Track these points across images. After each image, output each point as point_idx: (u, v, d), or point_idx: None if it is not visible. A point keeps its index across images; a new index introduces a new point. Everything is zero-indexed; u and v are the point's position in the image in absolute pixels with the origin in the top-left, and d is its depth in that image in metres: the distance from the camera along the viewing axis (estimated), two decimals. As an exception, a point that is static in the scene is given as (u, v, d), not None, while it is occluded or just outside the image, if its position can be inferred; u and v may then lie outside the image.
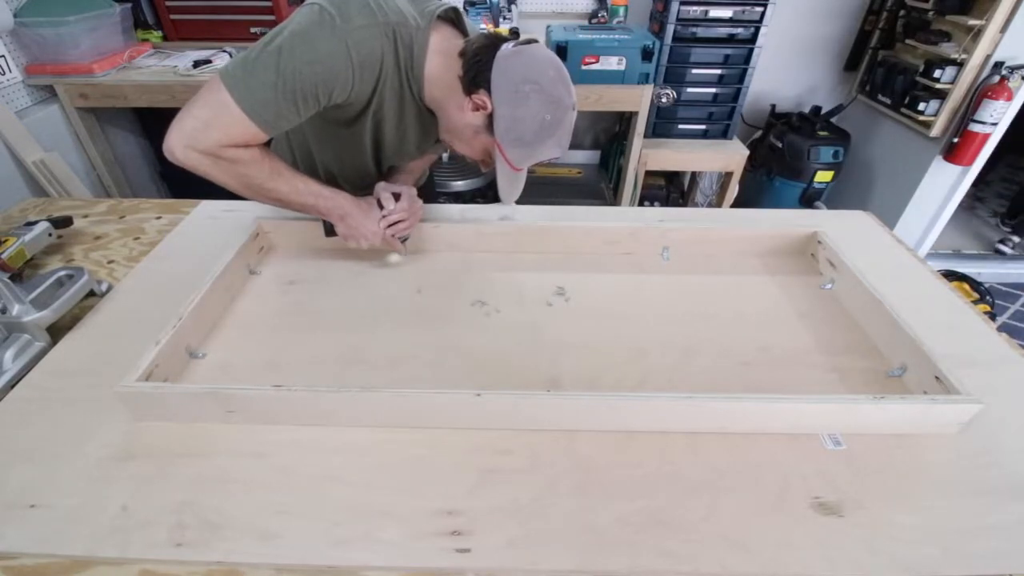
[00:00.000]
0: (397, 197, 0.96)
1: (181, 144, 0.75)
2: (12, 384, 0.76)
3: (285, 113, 0.77)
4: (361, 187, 1.02)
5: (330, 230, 0.96)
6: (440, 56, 0.83)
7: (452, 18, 0.86)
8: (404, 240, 1.00)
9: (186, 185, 2.45)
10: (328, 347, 0.84)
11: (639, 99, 2.03)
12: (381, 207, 0.95)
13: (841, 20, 2.47)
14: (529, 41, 0.83)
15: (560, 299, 0.95)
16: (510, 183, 0.91)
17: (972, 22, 1.90)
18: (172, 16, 2.28)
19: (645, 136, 2.19)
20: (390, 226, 0.96)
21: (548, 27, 2.19)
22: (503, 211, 1.15)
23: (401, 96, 0.87)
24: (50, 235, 1.03)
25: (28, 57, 1.94)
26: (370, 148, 0.97)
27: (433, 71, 0.84)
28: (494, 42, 0.82)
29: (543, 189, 2.62)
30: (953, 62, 2.00)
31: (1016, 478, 0.66)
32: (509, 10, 2.34)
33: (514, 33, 2.15)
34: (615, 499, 0.63)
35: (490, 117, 0.83)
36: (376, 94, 0.84)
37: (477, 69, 0.81)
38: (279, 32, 0.75)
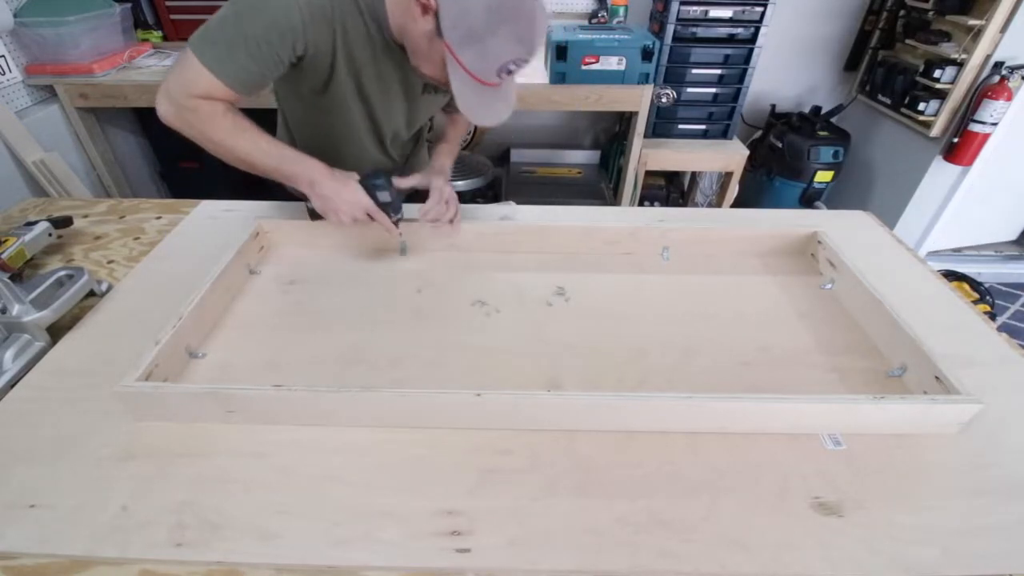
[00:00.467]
0: (390, 202, 0.93)
1: (163, 102, 0.82)
2: (12, 384, 0.76)
3: (246, 65, 0.79)
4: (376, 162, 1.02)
5: (314, 213, 0.93)
6: None
7: None
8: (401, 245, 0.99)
9: (186, 185, 2.47)
10: (328, 347, 0.84)
11: (639, 99, 2.03)
12: (376, 200, 0.92)
13: (841, 20, 2.47)
14: None
15: (560, 299, 0.95)
16: (475, 95, 0.80)
17: (972, 22, 1.90)
18: (172, 16, 2.28)
19: (645, 136, 2.19)
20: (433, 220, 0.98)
21: (548, 27, 2.19)
22: (503, 211, 1.15)
23: (371, 42, 0.86)
24: (50, 235, 1.03)
25: (28, 57, 1.94)
26: (360, 113, 0.96)
27: None
28: None
29: (543, 189, 2.62)
30: (953, 62, 2.00)
31: (1016, 478, 0.66)
32: (509, 10, 2.34)
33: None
34: (615, 499, 0.63)
35: (437, 16, 0.76)
36: (338, 42, 0.83)
37: None
38: None
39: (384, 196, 0.92)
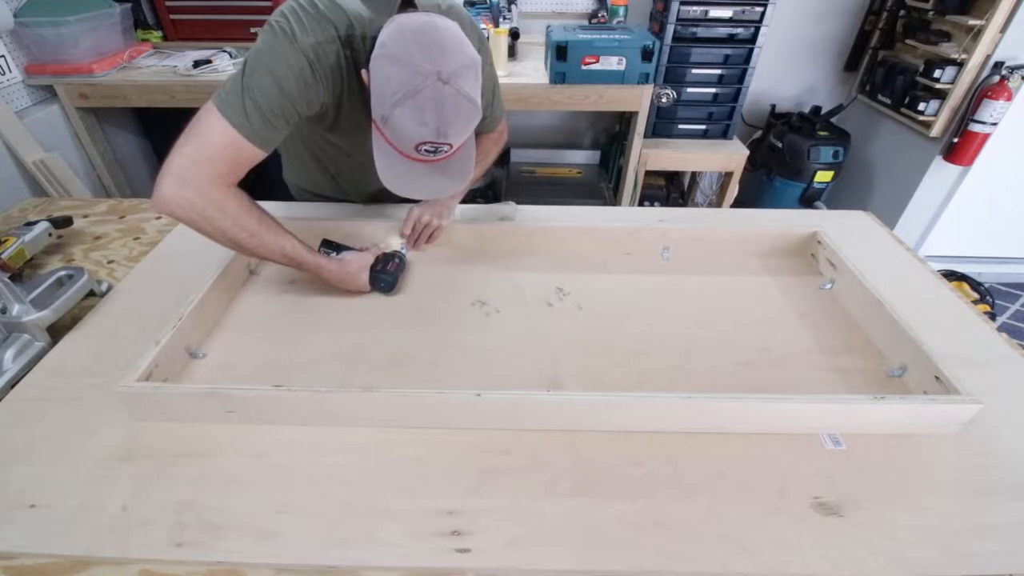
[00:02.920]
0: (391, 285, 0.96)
1: (175, 190, 0.73)
2: (12, 384, 0.76)
3: (274, 130, 0.77)
4: (368, 194, 1.03)
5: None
6: None
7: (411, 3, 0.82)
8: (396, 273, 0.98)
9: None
10: (328, 347, 0.84)
11: (639, 99, 2.03)
12: (377, 284, 0.95)
13: (841, 20, 2.47)
14: (419, 8, 0.77)
15: (560, 299, 0.95)
16: (389, 164, 0.78)
17: (972, 22, 1.89)
18: (172, 16, 2.27)
19: (645, 136, 2.19)
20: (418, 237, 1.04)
21: (548, 27, 2.19)
22: (503, 211, 1.15)
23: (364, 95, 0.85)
24: (50, 235, 1.03)
25: (28, 57, 1.94)
26: (364, 141, 0.97)
27: None
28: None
29: (543, 189, 2.62)
30: (953, 62, 2.00)
31: (1016, 478, 0.66)
32: (509, 10, 2.34)
33: (513, 34, 2.15)
34: (615, 499, 0.63)
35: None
36: (344, 98, 0.85)
37: (373, 44, 0.75)
38: (248, 55, 0.77)
39: (391, 267, 0.96)
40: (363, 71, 0.77)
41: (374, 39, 0.74)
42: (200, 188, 0.74)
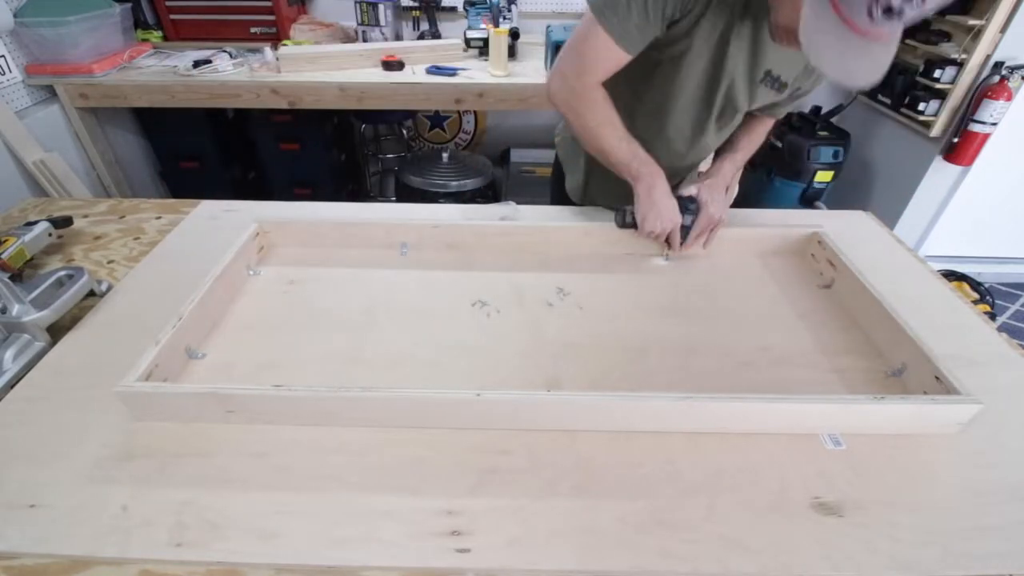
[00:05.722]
0: (688, 226, 1.01)
1: (557, 81, 0.93)
2: (12, 384, 0.76)
3: (640, 26, 0.82)
4: (670, 162, 1.03)
5: (622, 223, 1.01)
6: None
7: None
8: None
9: (186, 185, 2.47)
10: (328, 347, 0.84)
11: (639, 99, 2.03)
12: (682, 204, 0.99)
13: (841, 20, 2.47)
14: None
15: (560, 299, 0.95)
16: (835, 42, 0.65)
17: (972, 22, 1.89)
18: (172, 16, 2.28)
19: (645, 136, 2.19)
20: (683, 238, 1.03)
21: (548, 27, 2.19)
22: (503, 211, 1.15)
23: (747, 15, 0.82)
24: (50, 235, 1.03)
25: (28, 57, 1.94)
26: (699, 83, 0.94)
27: None
28: None
29: (543, 189, 2.61)
30: (953, 62, 2.00)
31: (1016, 478, 0.66)
32: (509, 10, 2.34)
33: (513, 34, 2.15)
34: (615, 499, 0.63)
35: None
36: (710, 9, 0.81)
37: None
38: None
39: (688, 221, 1.01)
40: None
41: None
42: (575, 89, 0.91)
